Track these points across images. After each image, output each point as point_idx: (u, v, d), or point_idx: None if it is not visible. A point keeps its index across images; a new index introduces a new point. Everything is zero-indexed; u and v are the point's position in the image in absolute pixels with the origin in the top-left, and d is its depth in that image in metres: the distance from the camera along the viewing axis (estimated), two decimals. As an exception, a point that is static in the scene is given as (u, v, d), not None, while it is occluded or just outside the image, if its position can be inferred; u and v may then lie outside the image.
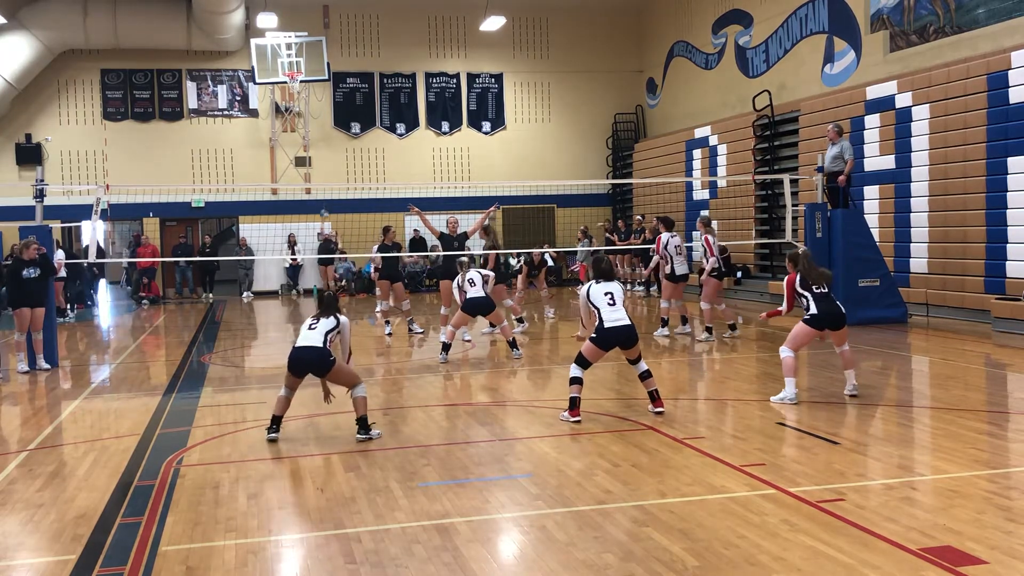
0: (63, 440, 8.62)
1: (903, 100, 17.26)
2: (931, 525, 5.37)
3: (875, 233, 16.58)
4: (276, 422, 8.16)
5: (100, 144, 26.79)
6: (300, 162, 27.52)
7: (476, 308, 12.85)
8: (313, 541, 5.52)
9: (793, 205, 16.99)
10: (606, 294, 8.58)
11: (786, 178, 17.27)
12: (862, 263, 15.39)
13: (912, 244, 16.93)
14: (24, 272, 12.65)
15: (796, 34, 21.47)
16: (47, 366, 12.89)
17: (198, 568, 5.11)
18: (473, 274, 13.10)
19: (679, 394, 10.07)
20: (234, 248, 27.56)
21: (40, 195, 13.76)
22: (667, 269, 14.74)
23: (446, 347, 12.79)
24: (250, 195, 26.87)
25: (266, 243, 26.59)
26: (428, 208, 27.79)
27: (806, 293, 9.23)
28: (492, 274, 13.49)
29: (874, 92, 18.04)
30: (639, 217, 25.59)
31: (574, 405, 8.58)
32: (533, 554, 5.17)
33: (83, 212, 17.82)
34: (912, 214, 16.98)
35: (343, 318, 8.35)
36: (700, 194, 24.83)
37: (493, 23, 26.58)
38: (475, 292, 12.86)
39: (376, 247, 18.63)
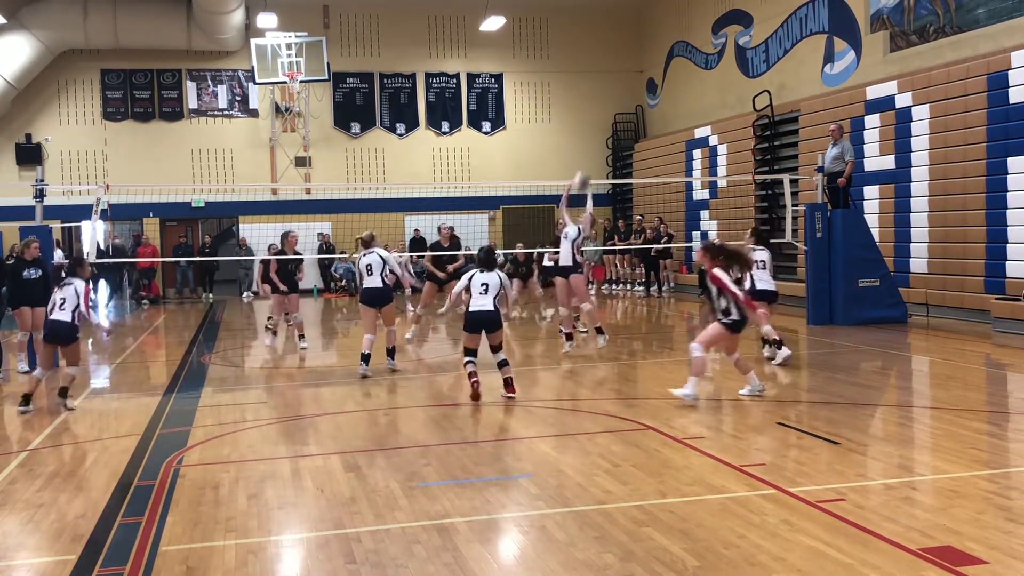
0: (63, 440, 8.62)
1: (903, 100, 17.26)
2: (931, 525, 5.37)
3: (875, 233, 16.57)
4: (26, 399, 9.66)
5: (100, 144, 26.79)
6: (300, 162, 27.52)
7: (371, 299, 11.57)
8: (313, 541, 5.52)
9: (793, 205, 17.00)
10: (482, 284, 9.53)
11: (786, 178, 17.28)
12: (862, 263, 15.39)
13: (912, 244, 16.93)
14: (25, 272, 12.65)
15: (796, 34, 21.47)
16: (26, 368, 12.86)
17: (198, 568, 5.11)
18: (373, 258, 11.59)
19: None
20: (234, 248, 27.54)
21: (40, 195, 13.75)
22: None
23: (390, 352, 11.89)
24: (250, 195, 26.86)
25: (266, 243, 26.53)
26: (428, 208, 28.09)
27: (726, 295, 8.88)
28: (402, 257, 12.20)
29: (874, 92, 18.04)
30: (639, 217, 25.59)
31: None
32: (533, 554, 5.17)
33: (83, 212, 17.80)
34: (912, 214, 16.98)
35: (77, 283, 9.67)
36: (700, 194, 24.82)
37: (493, 23, 26.57)
38: (371, 281, 11.58)
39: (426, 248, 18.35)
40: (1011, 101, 14.96)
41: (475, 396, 9.47)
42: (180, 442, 8.25)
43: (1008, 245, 14.90)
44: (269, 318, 14.83)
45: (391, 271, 11.81)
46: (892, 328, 14.72)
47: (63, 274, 10.03)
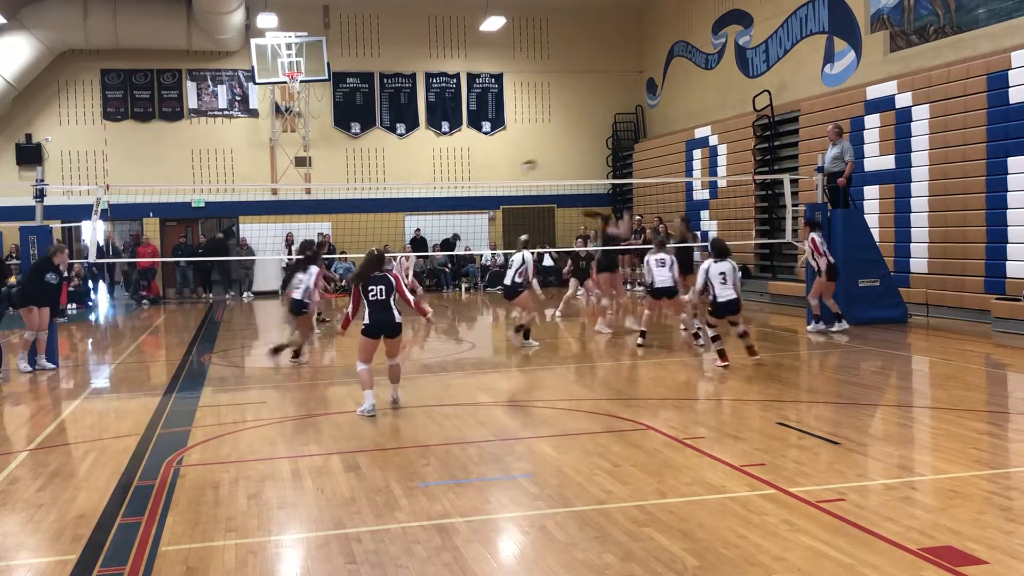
0: (63, 440, 8.62)
1: (903, 100, 17.26)
2: (931, 525, 5.37)
3: (875, 233, 16.57)
4: (296, 353, 12.59)
5: (100, 144, 26.78)
6: (300, 162, 27.51)
7: (506, 294, 14.07)
8: (313, 541, 5.52)
9: (793, 205, 16.99)
10: (720, 273, 10.91)
11: (786, 178, 17.27)
12: (862, 263, 15.39)
13: (912, 244, 16.92)
14: (48, 276, 12.69)
15: (796, 34, 21.47)
16: (51, 366, 12.87)
17: (198, 568, 5.11)
18: (516, 258, 13.74)
19: (679, 394, 10.07)
20: (233, 248, 27.51)
21: (40, 195, 13.75)
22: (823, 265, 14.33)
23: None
24: (250, 195, 26.86)
25: (266, 243, 26.58)
26: (428, 208, 28.09)
27: (364, 300, 9.12)
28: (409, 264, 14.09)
29: (874, 92, 18.03)
30: (639, 217, 25.57)
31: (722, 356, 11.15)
32: (533, 554, 5.17)
33: (83, 212, 17.81)
34: (912, 214, 16.97)
35: (312, 268, 12.38)
36: (700, 194, 24.83)
37: (493, 23, 26.57)
38: (506, 278, 14.00)
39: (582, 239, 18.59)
40: (1011, 101, 14.95)
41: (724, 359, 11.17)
42: (180, 442, 8.26)
43: (1008, 245, 14.90)
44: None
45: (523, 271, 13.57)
46: (892, 328, 14.72)
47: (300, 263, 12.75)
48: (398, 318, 9.13)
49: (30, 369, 12.67)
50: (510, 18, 27.76)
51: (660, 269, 13.03)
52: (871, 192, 17.90)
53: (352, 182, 27.65)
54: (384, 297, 9.03)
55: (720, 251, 11.32)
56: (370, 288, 9.02)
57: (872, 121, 17.98)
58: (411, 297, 9.53)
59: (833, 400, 9.21)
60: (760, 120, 22.02)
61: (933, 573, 4.69)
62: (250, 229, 27.11)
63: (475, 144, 29.02)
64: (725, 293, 11.01)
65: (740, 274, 11.42)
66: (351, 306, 9.29)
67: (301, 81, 26.10)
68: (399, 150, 28.47)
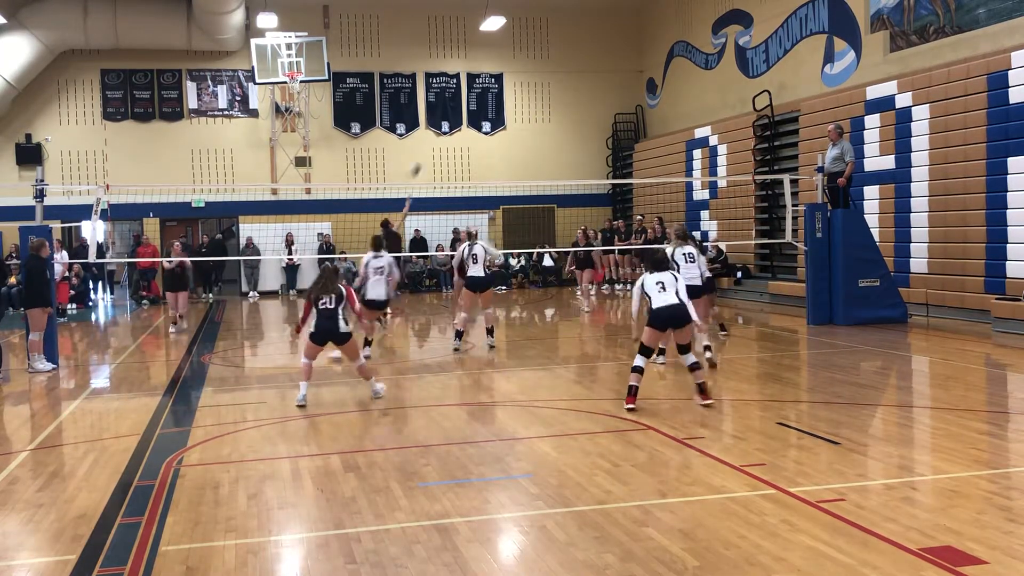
0: (63, 440, 8.62)
1: (903, 100, 17.26)
2: (931, 525, 5.37)
3: (875, 233, 16.57)
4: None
5: (100, 144, 26.77)
6: (300, 162, 27.50)
7: (474, 285, 13.43)
8: (313, 541, 5.52)
9: (793, 205, 16.99)
10: (658, 283, 9.08)
11: (786, 178, 17.27)
12: (862, 263, 15.40)
13: (912, 244, 16.92)
14: (47, 273, 12.69)
15: (796, 34, 21.46)
16: (51, 365, 12.86)
17: (198, 568, 5.11)
18: (477, 249, 13.41)
19: (679, 394, 10.07)
20: (234, 248, 27.48)
21: (40, 195, 13.74)
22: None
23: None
24: (250, 195, 26.84)
25: (266, 243, 26.57)
26: (428, 208, 28.06)
27: (313, 309, 9.73)
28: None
29: (874, 92, 18.03)
30: (639, 217, 25.58)
31: (631, 392, 9.02)
32: (533, 554, 5.17)
33: (83, 212, 17.80)
34: (912, 214, 16.97)
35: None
36: (700, 194, 24.82)
37: (493, 23, 26.56)
38: (475, 270, 13.38)
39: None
40: (1011, 101, 14.95)
41: (630, 402, 8.98)
42: (180, 442, 8.26)
43: (1008, 245, 14.89)
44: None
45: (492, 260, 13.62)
46: (892, 328, 14.72)
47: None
48: (344, 328, 9.64)
49: (52, 366, 12.65)
50: (510, 18, 27.75)
51: (689, 265, 11.36)
52: (871, 192, 17.89)
53: (352, 182, 27.64)
54: (332, 306, 9.61)
55: (658, 263, 9.41)
56: (321, 298, 9.62)
57: (872, 121, 17.98)
58: (359, 307, 10.31)
59: (833, 400, 9.20)
60: (760, 120, 22.02)
61: (933, 573, 4.69)
62: (250, 229, 27.09)
63: (475, 144, 29.01)
64: (663, 299, 9.02)
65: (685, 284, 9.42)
66: (302, 315, 9.87)
67: (301, 81, 26.09)
68: (399, 150, 28.46)
